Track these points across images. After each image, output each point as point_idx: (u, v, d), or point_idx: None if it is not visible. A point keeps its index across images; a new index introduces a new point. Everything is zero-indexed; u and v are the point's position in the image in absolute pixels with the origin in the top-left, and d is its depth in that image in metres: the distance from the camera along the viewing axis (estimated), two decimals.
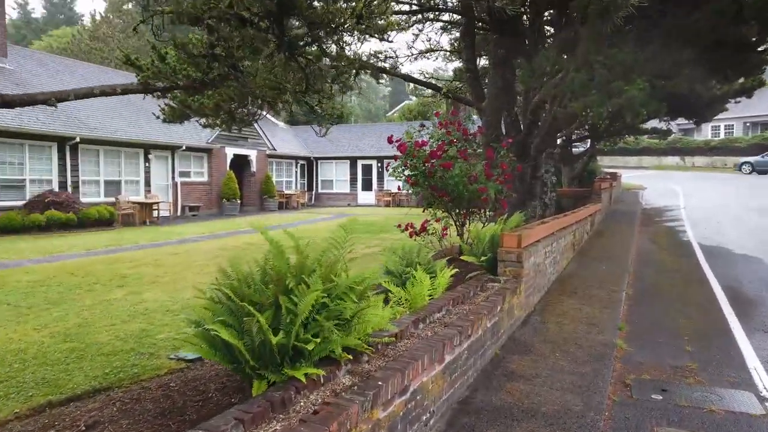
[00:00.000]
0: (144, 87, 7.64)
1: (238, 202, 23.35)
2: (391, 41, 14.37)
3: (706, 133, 47.94)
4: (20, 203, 14.48)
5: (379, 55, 15.49)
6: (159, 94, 6.90)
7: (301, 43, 5.61)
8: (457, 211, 9.11)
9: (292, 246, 3.33)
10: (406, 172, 8.97)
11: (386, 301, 4.72)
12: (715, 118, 32.34)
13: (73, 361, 4.95)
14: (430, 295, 5.17)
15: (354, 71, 9.87)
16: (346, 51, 9.01)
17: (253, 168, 25.76)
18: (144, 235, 14.23)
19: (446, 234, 8.74)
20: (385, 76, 15.22)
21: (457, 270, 6.24)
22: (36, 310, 6.74)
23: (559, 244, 9.00)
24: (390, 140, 9.03)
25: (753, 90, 14.47)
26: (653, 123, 26.62)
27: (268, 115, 33.79)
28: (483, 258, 6.66)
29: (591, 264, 9.96)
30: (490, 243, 6.75)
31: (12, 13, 60.09)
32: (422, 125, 9.40)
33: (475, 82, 11.37)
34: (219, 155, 23.29)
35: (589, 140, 24.01)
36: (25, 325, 6.11)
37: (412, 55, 15.85)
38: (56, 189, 15.56)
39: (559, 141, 19.93)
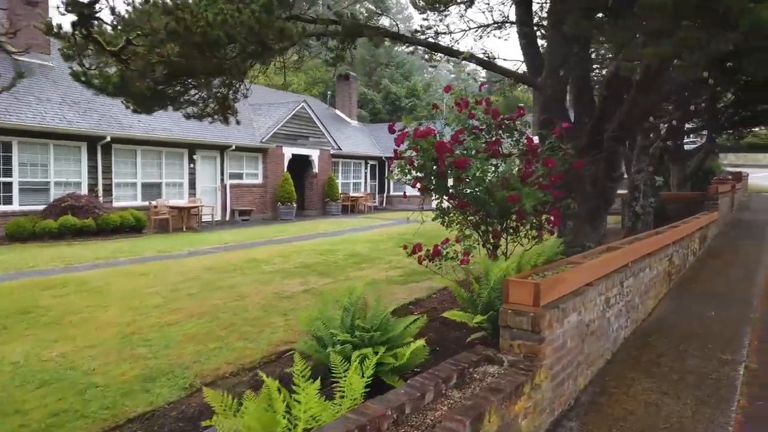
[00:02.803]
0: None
1: (294, 205, 21.73)
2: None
3: None
4: (41, 207, 13.63)
5: (428, 31, 12.98)
6: None
7: None
8: (484, 228, 6.45)
9: None
10: (413, 173, 6.46)
11: None
12: None
13: None
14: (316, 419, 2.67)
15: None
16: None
17: (315, 169, 24.09)
18: (163, 245, 12.78)
19: (467, 260, 6.10)
20: (439, 58, 12.72)
21: (428, 338, 3.68)
22: None
23: (638, 279, 6.01)
24: (391, 129, 6.55)
25: None
26: None
27: (337, 111, 32.28)
28: (481, 317, 4.01)
29: (693, 305, 6.80)
30: (495, 290, 4.08)
31: None
32: (435, 106, 6.81)
33: (530, 48, 8.49)
34: (275, 155, 21.83)
35: (705, 132, 19.66)
36: None
37: (470, 29, 13.20)
38: (85, 192, 14.64)
39: (664, 131, 16.14)
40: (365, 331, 3.70)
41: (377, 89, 47.49)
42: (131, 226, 14.66)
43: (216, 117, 8.70)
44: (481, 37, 21.55)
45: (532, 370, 3.42)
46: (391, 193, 29.61)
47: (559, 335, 3.86)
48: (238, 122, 9.08)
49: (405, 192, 29.25)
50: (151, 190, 17.01)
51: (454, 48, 10.97)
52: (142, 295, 7.19)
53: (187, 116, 8.40)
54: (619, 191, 13.06)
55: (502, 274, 4.09)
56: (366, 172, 28.77)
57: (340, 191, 25.45)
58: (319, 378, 2.78)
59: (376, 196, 29.35)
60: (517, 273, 4.09)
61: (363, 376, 2.97)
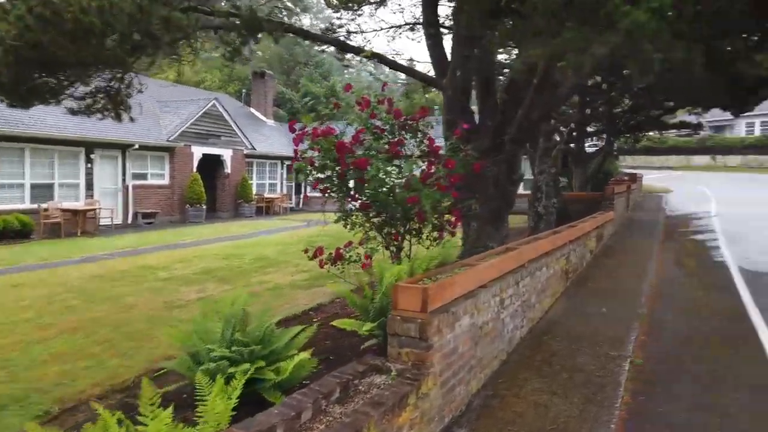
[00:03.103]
0: None
1: (204, 207, 20.78)
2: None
3: (739, 130, 43.96)
4: None
5: (340, 29, 12.81)
6: None
7: None
8: (387, 230, 6.33)
9: None
10: (314, 174, 6.24)
11: None
12: (751, 113, 28.80)
13: None
14: None
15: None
16: None
17: (227, 169, 23.18)
18: (50, 251, 11.69)
19: (368, 264, 5.95)
20: (352, 58, 12.53)
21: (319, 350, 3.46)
22: None
23: (535, 279, 6.11)
24: (291, 128, 6.29)
25: None
26: (682, 116, 23.32)
27: (253, 110, 31.38)
28: (371, 325, 3.84)
29: (587, 303, 7.04)
30: (387, 296, 3.94)
31: None
32: (336, 105, 6.62)
33: (436, 49, 8.49)
34: (183, 155, 20.76)
35: (605, 135, 20.85)
36: None
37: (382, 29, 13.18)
38: None
39: (566, 134, 16.93)
40: (244, 345, 3.42)
41: (296, 88, 46.69)
42: (16, 231, 13.33)
43: (107, 113, 8.02)
44: (393, 38, 21.60)
45: (419, 379, 3.30)
46: (309, 194, 29.14)
47: (450, 340, 3.77)
48: (132, 119, 8.43)
49: (305, 193, 28.93)
50: (42, 191, 15.56)
51: (366, 47, 10.87)
52: (10, 309, 6.43)
53: (73, 112, 7.69)
54: (528, 192, 13.51)
55: (394, 279, 3.95)
56: (282, 173, 28.11)
57: (254, 192, 24.68)
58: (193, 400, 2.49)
59: (293, 197, 28.78)
60: (410, 277, 3.97)
61: (230, 398, 2.70)
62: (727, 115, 20.08)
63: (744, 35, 8.04)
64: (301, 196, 29.39)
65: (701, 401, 4.24)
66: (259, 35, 8.17)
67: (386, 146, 6.20)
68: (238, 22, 6.99)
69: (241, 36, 7.36)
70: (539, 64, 5.90)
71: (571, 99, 15.39)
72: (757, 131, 42.71)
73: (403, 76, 15.56)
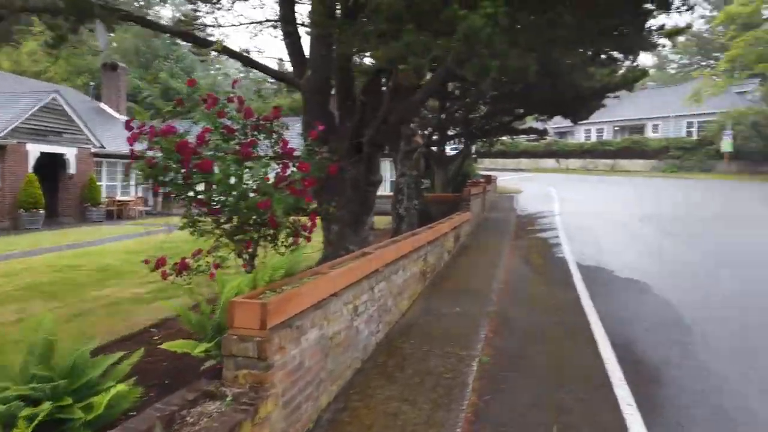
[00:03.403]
0: None
1: (42, 212, 18.47)
2: None
3: (579, 136, 49.14)
4: None
5: (195, 23, 12.10)
6: None
7: None
8: (240, 237, 5.96)
9: None
10: (155, 177, 5.69)
11: None
12: (588, 121, 32.30)
13: None
14: None
15: None
16: None
17: (71, 170, 20.82)
18: None
19: (215, 275, 5.53)
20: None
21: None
22: None
23: (391, 282, 6.12)
24: (128, 125, 5.69)
25: (635, 81, 12.87)
26: (531, 123, 25.40)
27: (103, 105, 28.71)
28: (207, 345, 3.51)
29: (443, 303, 7.23)
30: (226, 312, 3.61)
31: None
32: (179, 101, 6.13)
33: (294, 47, 8.23)
34: (16, 153, 18.25)
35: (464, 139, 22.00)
36: None
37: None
38: None
39: (425, 137, 17.54)
40: (46, 380, 2.91)
41: (155, 84, 43.48)
42: None
43: None
44: (255, 34, 20.89)
45: (256, 404, 3.04)
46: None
47: (295, 356, 3.56)
48: None
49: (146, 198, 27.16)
50: None
51: (222, 41, 10.26)
52: None
53: None
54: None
55: (234, 293, 3.65)
56: (137, 173, 25.93)
57: (103, 195, 22.50)
58: None
59: (150, 199, 26.70)
60: (252, 290, 3.69)
61: None
62: (569, 122, 22.23)
63: (581, 50, 8.84)
64: (160, 198, 27.37)
65: (542, 397, 4.47)
66: (98, 22, 7.32)
67: (237, 147, 5.84)
68: (62, 5, 6.16)
69: (68, 21, 6.52)
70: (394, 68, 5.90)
71: (428, 103, 15.99)
72: (593, 137, 48.05)
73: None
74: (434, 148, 19.73)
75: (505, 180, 32.81)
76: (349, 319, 4.63)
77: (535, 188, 28.58)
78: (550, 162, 46.35)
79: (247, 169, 5.93)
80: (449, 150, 24.26)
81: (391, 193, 13.72)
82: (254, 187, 5.70)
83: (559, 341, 5.96)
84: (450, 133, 20.74)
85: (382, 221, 15.60)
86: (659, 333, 6.17)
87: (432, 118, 17.18)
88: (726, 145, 36.51)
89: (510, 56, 3.39)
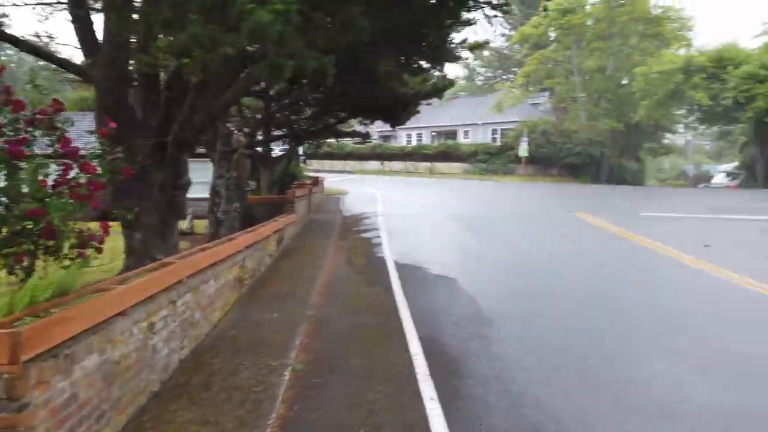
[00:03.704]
0: None
1: None
2: None
3: (401, 140, 52.00)
4: None
5: None
6: None
7: None
8: (10, 249, 5.06)
9: None
10: None
11: None
12: (408, 126, 34.30)
13: None
14: None
15: None
16: None
17: None
18: None
19: None
20: None
21: None
22: None
23: (199, 293, 5.69)
24: None
25: (444, 90, 13.88)
26: (356, 125, 26.05)
27: None
28: None
29: (261, 310, 6.96)
30: None
31: None
32: None
33: (86, 35, 7.24)
34: None
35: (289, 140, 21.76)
36: None
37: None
38: None
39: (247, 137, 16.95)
40: None
41: None
42: None
43: None
44: (46, 17, 18.40)
45: None
46: None
47: (64, 389, 3.05)
48: None
49: None
50: None
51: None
52: None
53: None
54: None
55: None
56: None
57: None
58: None
59: None
60: (7, 316, 3.07)
61: None
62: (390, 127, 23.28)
63: (392, 57, 9.18)
64: None
65: (352, 400, 4.47)
66: None
67: (5, 146, 4.94)
68: None
69: None
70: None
71: (250, 104, 15.48)
72: (414, 141, 51.24)
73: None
74: (260, 149, 19.19)
75: (332, 181, 33.29)
76: (142, 339, 4.15)
77: (361, 190, 29.46)
78: (375, 164, 48.30)
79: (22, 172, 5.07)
80: (277, 151, 23.83)
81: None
82: (26, 192, 4.88)
83: (374, 341, 6.08)
84: (276, 133, 20.34)
85: (202, 225, 14.72)
86: (459, 327, 6.62)
87: (253, 118, 16.66)
88: (523, 150, 41.57)
89: (306, 57, 3.30)
